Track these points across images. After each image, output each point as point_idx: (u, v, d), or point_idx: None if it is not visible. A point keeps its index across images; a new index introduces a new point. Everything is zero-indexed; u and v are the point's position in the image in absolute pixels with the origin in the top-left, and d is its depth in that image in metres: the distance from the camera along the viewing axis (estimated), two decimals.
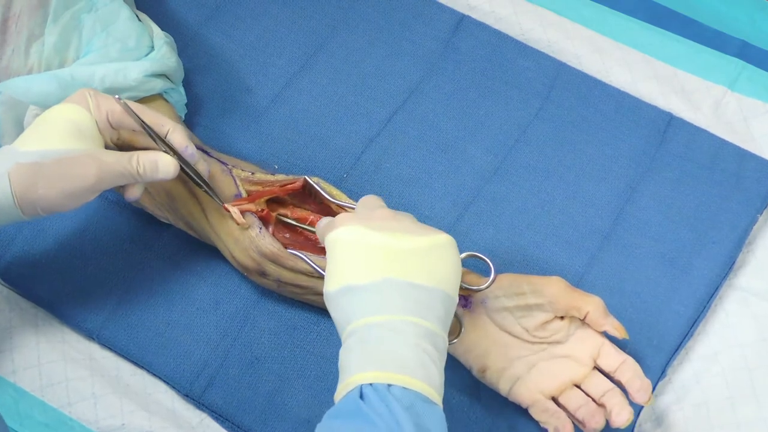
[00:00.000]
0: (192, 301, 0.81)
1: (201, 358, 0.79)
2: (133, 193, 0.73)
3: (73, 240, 0.83)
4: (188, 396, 0.79)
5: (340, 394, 0.61)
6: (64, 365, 0.80)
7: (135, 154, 0.71)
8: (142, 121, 0.71)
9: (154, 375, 0.80)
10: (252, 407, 0.78)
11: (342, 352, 0.63)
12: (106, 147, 0.73)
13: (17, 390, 0.79)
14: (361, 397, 0.59)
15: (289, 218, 0.80)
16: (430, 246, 0.66)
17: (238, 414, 0.78)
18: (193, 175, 0.75)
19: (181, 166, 0.73)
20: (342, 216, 0.68)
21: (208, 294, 0.81)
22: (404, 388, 0.59)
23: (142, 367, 0.81)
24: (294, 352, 0.79)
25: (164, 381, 0.80)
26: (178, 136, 0.73)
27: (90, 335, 0.81)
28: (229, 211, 0.76)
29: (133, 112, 0.71)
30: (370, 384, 0.59)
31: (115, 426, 0.78)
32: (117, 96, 0.71)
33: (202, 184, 0.75)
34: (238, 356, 0.79)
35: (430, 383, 0.60)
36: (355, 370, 0.60)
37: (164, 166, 0.72)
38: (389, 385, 0.59)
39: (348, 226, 0.66)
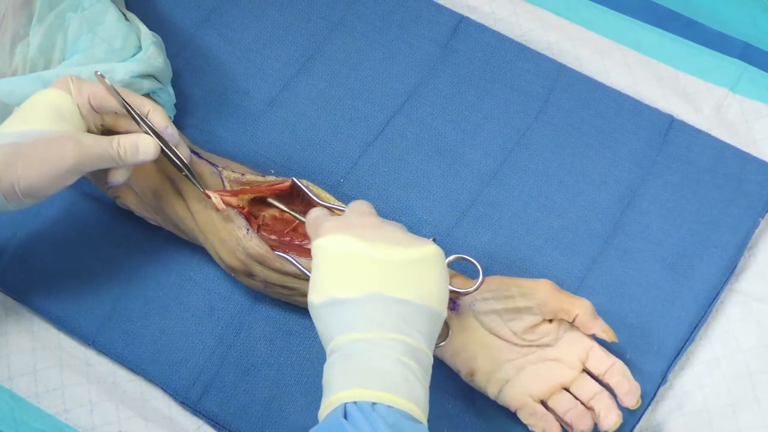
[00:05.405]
0: (187, 307, 0.81)
1: (197, 365, 0.79)
2: (116, 177, 0.73)
3: (68, 245, 0.83)
4: (184, 403, 0.79)
5: (323, 412, 0.60)
6: (60, 371, 0.80)
7: (116, 137, 0.71)
8: (124, 100, 0.72)
9: (151, 382, 0.80)
10: (249, 414, 0.78)
11: (325, 368, 0.62)
12: (89, 132, 0.73)
13: (13, 396, 0.79)
14: (345, 415, 0.58)
15: (273, 200, 0.78)
16: (417, 258, 0.64)
17: (235, 421, 0.78)
18: (174, 159, 0.74)
19: (162, 148, 0.73)
20: (330, 223, 0.67)
21: (203, 300, 0.81)
22: (388, 406, 0.58)
23: (138, 374, 0.80)
24: (290, 358, 0.79)
25: (161, 388, 0.79)
26: (158, 115, 0.73)
27: (86, 341, 0.81)
28: (209, 198, 0.75)
29: (115, 90, 0.72)
30: (354, 402, 0.58)
31: None
32: (98, 72, 0.72)
33: (183, 168, 0.75)
34: (234, 363, 0.79)
35: (414, 401, 0.59)
36: (339, 387, 0.59)
37: (145, 147, 0.72)
38: (373, 404, 0.58)
39: (335, 235, 0.65)
